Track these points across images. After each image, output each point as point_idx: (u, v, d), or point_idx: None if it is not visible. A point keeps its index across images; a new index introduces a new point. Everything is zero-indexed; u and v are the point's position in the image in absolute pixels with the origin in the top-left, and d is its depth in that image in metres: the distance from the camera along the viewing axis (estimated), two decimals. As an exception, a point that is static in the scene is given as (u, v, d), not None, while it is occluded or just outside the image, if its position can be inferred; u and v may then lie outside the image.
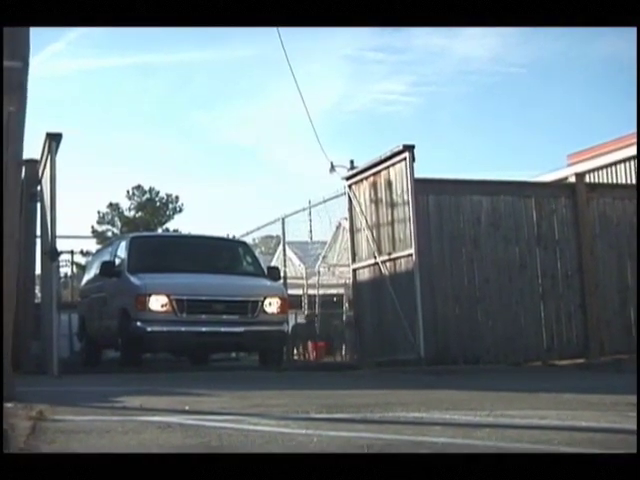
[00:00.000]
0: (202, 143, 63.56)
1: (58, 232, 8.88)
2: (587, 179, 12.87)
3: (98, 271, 12.17)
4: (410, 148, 10.42)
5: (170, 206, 43.71)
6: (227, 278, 11.23)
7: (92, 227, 44.38)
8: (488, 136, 64.14)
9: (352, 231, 12.13)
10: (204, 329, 10.25)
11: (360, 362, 11.02)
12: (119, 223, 45.59)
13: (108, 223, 46.00)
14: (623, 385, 6.98)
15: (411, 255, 10.35)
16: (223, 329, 10.32)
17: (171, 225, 42.40)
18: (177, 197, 43.59)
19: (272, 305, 10.63)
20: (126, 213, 45.93)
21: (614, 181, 14.23)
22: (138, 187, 46.07)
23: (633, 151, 13.25)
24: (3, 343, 4.83)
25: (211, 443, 3.21)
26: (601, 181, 14.27)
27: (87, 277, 14.39)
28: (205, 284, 10.77)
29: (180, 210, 43.33)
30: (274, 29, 10.95)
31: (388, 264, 10.96)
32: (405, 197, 10.52)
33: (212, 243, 12.87)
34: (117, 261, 11.60)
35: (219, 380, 7.79)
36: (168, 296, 10.16)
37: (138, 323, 10.11)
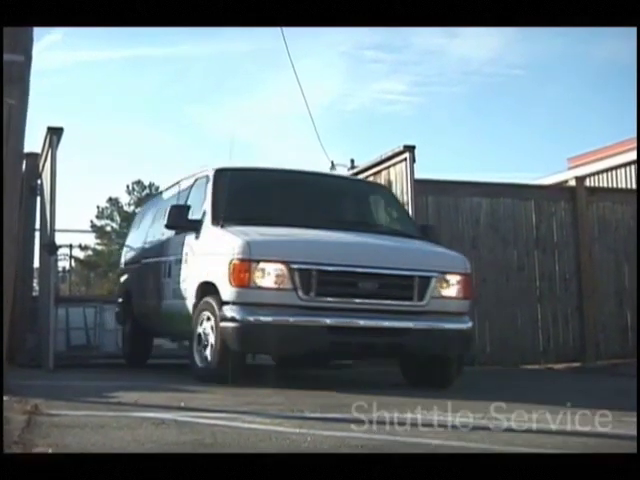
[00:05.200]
0: (201, 138, 63.62)
1: (57, 226, 8.87)
2: (587, 183, 12.87)
3: (162, 222, 7.91)
4: (411, 149, 10.40)
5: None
6: (376, 238, 7.11)
7: (91, 221, 44.56)
8: (488, 137, 64.19)
9: (351, 230, 12.05)
10: (344, 322, 6.34)
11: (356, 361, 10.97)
12: (118, 218, 45.66)
13: (107, 218, 46.11)
14: (618, 389, 6.99)
15: (409, 255, 10.29)
16: (376, 323, 6.41)
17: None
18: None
19: (451, 286, 6.72)
20: (125, 208, 46.00)
21: (614, 185, 14.24)
22: (138, 182, 46.22)
23: (634, 156, 13.26)
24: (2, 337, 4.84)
25: (205, 440, 3.22)
26: (601, 185, 14.28)
27: (134, 235, 10.40)
28: (346, 246, 6.73)
29: (180, 205, 43.35)
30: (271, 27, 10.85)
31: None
32: (405, 198, 10.51)
33: (340, 185, 8.67)
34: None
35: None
36: (287, 264, 6.22)
37: (234, 308, 6.27)
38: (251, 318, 6.17)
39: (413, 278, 6.52)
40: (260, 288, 6.23)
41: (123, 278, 10.47)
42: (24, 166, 8.22)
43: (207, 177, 7.63)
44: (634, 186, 12.94)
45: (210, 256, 6.83)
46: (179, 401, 4.79)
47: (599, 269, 11.19)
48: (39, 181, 10.27)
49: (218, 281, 6.48)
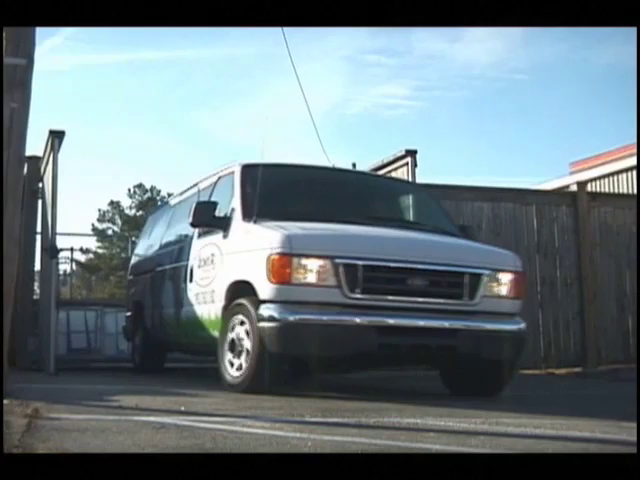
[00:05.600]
0: (202, 141, 63.76)
1: (58, 229, 8.89)
2: (589, 188, 12.88)
3: (180, 226, 8.06)
4: (412, 153, 10.42)
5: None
6: (420, 234, 6.69)
7: (92, 225, 44.58)
8: (490, 142, 64.24)
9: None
10: (393, 321, 5.87)
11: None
12: (119, 221, 45.70)
13: (109, 221, 46.14)
14: (619, 394, 6.99)
15: (410, 260, 10.27)
16: (428, 323, 5.96)
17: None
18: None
19: (502, 284, 6.30)
20: (127, 211, 46.03)
21: (616, 190, 14.25)
22: (139, 185, 46.25)
23: (635, 161, 13.27)
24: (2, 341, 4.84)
25: (205, 445, 3.21)
26: (603, 190, 14.29)
27: (145, 245, 9.99)
28: (393, 240, 6.29)
29: (181, 209, 43.36)
30: (272, 28, 10.75)
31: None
32: (406, 202, 10.51)
33: (372, 182, 8.12)
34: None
35: (214, 380, 7.78)
36: (330, 259, 5.74)
37: (273, 306, 5.77)
38: (292, 317, 5.66)
39: (463, 275, 6.07)
40: (302, 285, 5.71)
41: (132, 290, 9.94)
42: (26, 169, 8.22)
43: (233, 173, 7.16)
44: (636, 191, 12.95)
45: (243, 253, 6.31)
46: (179, 405, 4.78)
47: (600, 274, 11.19)
48: (41, 184, 10.29)
49: (254, 279, 5.96)
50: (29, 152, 7.56)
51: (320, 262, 5.72)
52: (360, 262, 5.76)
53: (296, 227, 6.05)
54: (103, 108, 65.36)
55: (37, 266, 10.88)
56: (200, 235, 7.34)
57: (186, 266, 7.57)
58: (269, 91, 64.36)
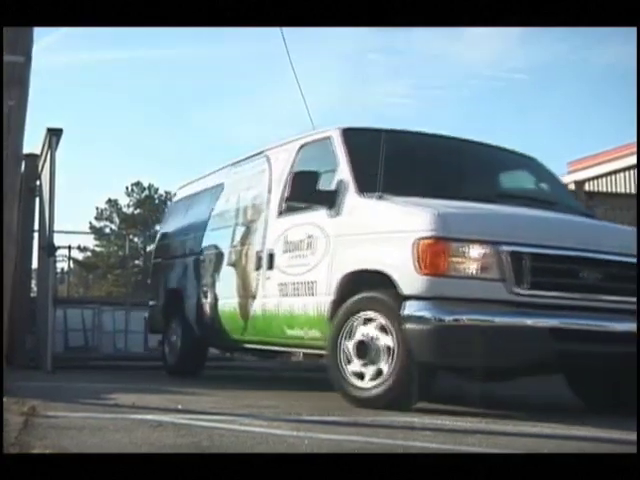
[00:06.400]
0: (201, 140, 63.73)
1: (56, 227, 8.87)
2: (587, 187, 12.88)
3: (250, 196, 6.93)
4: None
5: (169, 203, 43.82)
6: (580, 218, 5.70)
7: (90, 223, 44.55)
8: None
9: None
10: (575, 324, 4.78)
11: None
12: (117, 219, 45.70)
13: (106, 219, 46.13)
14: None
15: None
16: (609, 326, 4.88)
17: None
18: (176, 194, 43.60)
19: None
20: (125, 210, 46.03)
21: (614, 190, 14.25)
22: (137, 184, 46.25)
23: (634, 160, 13.28)
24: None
25: (202, 443, 3.22)
26: (601, 189, 14.29)
27: (180, 221, 8.75)
28: (560, 224, 5.32)
29: (179, 208, 43.36)
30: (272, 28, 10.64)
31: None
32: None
33: (499, 155, 6.62)
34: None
35: (211, 379, 7.79)
36: (493, 246, 4.66)
37: (423, 304, 4.67)
38: (449, 318, 4.57)
39: (632, 266, 4.96)
40: (459, 277, 4.62)
41: (162, 276, 8.72)
42: (23, 167, 8.22)
43: (330, 138, 5.99)
44: (634, 191, 12.96)
45: (369, 236, 5.20)
46: (176, 403, 4.79)
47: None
48: (38, 182, 10.27)
49: (393, 268, 4.85)
50: (26, 150, 7.56)
51: (482, 249, 4.64)
52: (529, 250, 4.71)
53: (442, 205, 4.96)
54: (101, 106, 65.38)
55: (34, 264, 10.86)
56: (282, 213, 6.24)
57: (260, 250, 6.40)
58: (268, 90, 64.39)
